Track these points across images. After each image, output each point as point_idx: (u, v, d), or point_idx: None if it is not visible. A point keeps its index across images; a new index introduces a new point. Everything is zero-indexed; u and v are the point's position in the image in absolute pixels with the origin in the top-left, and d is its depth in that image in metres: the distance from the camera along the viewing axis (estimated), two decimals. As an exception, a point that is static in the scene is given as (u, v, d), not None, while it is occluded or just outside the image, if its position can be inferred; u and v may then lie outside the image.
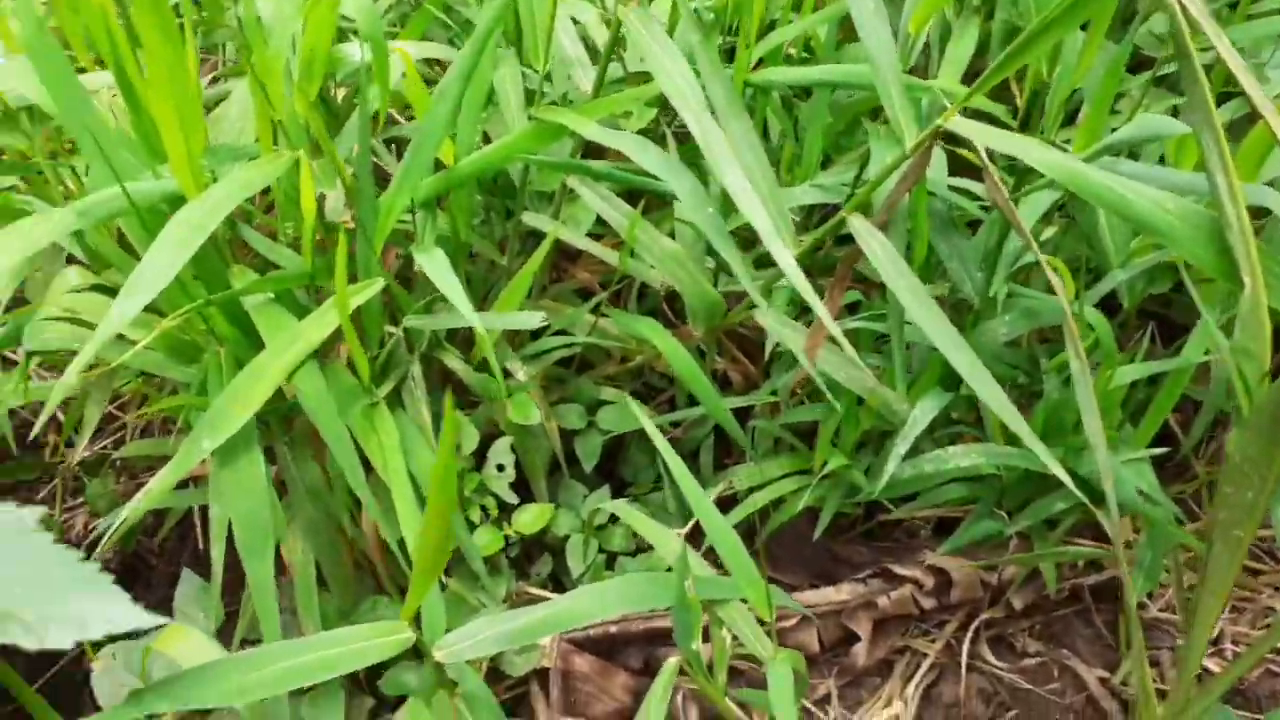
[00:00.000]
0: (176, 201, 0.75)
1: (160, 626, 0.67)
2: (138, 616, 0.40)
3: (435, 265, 0.74)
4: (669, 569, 0.85)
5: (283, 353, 0.74)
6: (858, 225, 0.75)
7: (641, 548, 1.02)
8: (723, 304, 0.88)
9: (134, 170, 0.76)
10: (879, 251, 0.74)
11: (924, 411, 0.85)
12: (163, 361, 0.84)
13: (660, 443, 0.70)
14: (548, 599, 0.94)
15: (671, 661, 0.75)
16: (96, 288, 0.87)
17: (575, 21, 0.90)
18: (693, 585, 0.73)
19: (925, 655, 0.99)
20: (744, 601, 0.78)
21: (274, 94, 0.71)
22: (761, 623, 0.77)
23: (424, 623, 0.73)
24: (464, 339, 0.97)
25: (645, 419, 0.71)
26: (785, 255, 0.65)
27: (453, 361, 0.93)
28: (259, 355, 0.74)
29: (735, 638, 0.77)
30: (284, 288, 0.79)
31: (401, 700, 0.95)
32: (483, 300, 0.98)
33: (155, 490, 0.73)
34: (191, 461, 0.71)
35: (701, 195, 0.71)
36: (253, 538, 0.72)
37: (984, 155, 0.71)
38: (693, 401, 1.07)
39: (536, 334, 1.01)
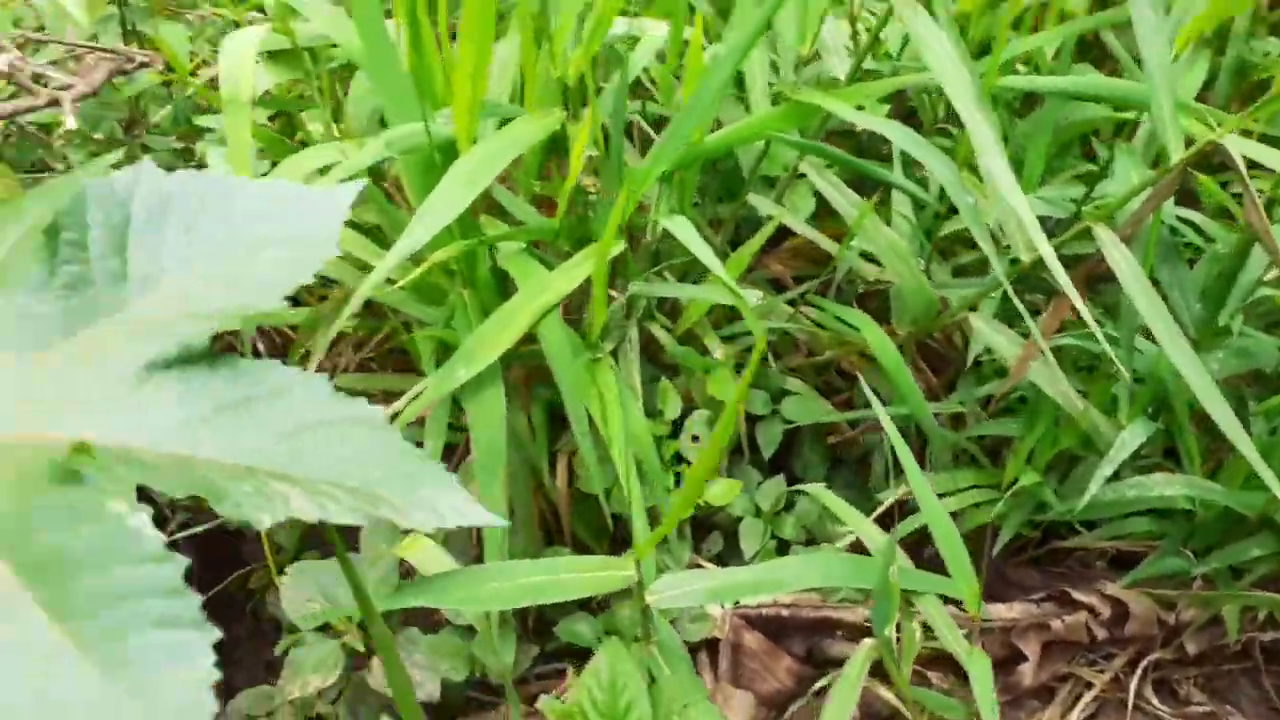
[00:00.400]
0: (447, 148, 0.80)
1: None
2: (480, 515, 0.41)
3: (684, 231, 0.78)
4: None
5: (533, 300, 0.78)
6: (1103, 235, 0.75)
7: (811, 540, 1.03)
8: (937, 303, 0.90)
9: (411, 114, 0.82)
10: (1122, 264, 0.75)
11: (1133, 436, 0.85)
12: (406, 299, 0.89)
13: (890, 428, 0.72)
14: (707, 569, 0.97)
15: (868, 644, 0.76)
16: (347, 224, 0.93)
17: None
18: (895, 572, 0.74)
19: (1091, 685, 0.98)
20: (942, 599, 0.79)
21: (558, 57, 0.76)
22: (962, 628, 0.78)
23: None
24: (669, 310, 1.00)
25: (880, 409, 0.73)
26: (1045, 243, 0.67)
27: (659, 331, 0.96)
28: (512, 299, 0.78)
29: (928, 629, 0.78)
30: (533, 239, 0.83)
31: (566, 652, 0.98)
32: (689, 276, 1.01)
33: (403, 415, 0.78)
34: (448, 387, 0.76)
35: (961, 184, 0.72)
36: (490, 463, 0.76)
37: (1244, 174, 0.71)
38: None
39: (733, 317, 1.04)
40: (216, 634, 0.33)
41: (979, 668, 0.72)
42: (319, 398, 0.44)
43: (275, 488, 0.40)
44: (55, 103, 1.05)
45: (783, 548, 1.02)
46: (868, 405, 1.09)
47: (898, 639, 0.79)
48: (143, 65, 1.22)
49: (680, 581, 0.75)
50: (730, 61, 0.70)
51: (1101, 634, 0.97)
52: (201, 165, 1.19)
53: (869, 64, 0.98)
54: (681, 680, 0.76)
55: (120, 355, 0.45)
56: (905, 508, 1.03)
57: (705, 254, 0.75)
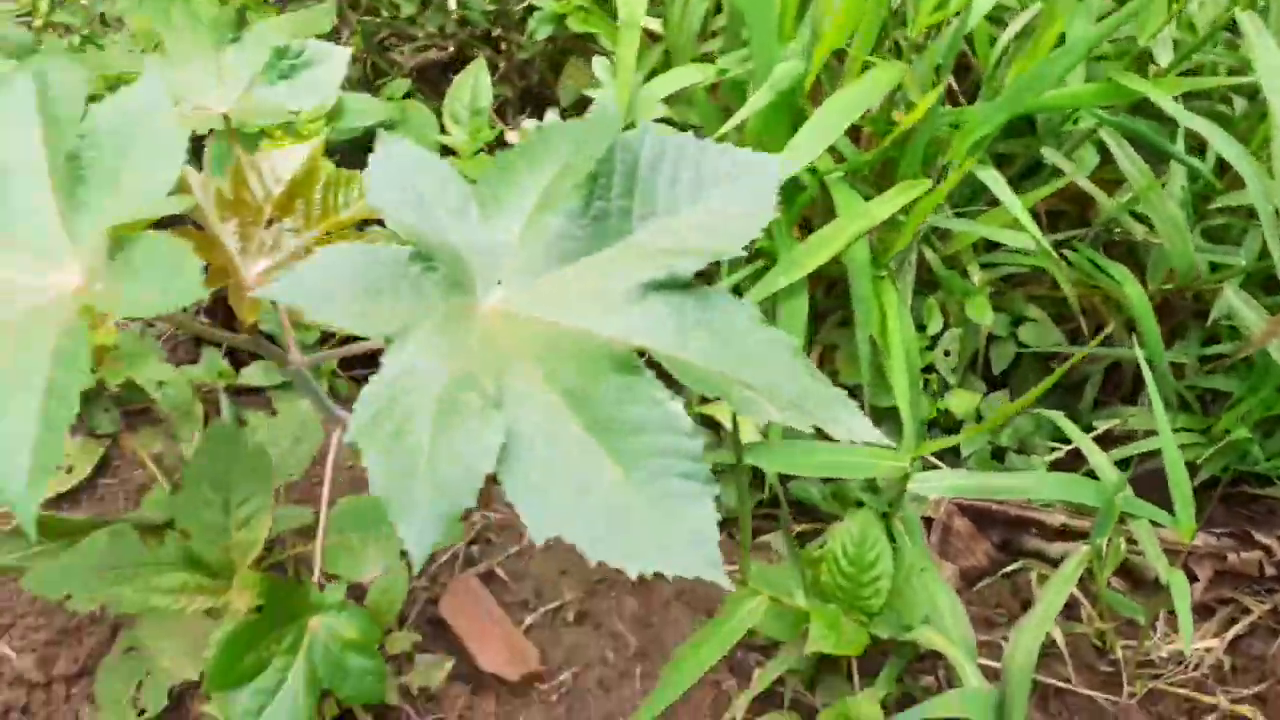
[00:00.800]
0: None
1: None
2: (877, 435, 0.55)
3: (995, 182, 0.90)
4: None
5: (852, 224, 0.93)
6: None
7: (1020, 450, 1.19)
8: (1196, 269, 1.00)
9: (770, 46, 0.94)
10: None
11: (1359, 415, 0.95)
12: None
13: (1148, 374, 0.85)
14: (939, 468, 1.15)
15: (1084, 549, 0.93)
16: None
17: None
18: (1122, 499, 0.90)
19: (1250, 612, 1.12)
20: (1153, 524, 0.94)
21: (921, 16, 0.87)
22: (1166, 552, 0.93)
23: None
24: (939, 236, 1.13)
25: (1141, 356, 0.86)
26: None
27: (929, 253, 1.10)
28: (833, 222, 0.93)
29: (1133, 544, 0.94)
30: (851, 170, 0.97)
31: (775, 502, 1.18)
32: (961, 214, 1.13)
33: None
34: (768, 291, 0.92)
35: (1263, 187, 0.82)
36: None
37: None
38: (1092, 337, 1.20)
39: (990, 246, 1.15)
40: (716, 489, 0.50)
41: (1179, 587, 0.88)
42: (752, 323, 0.58)
43: (747, 394, 0.56)
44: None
45: (996, 453, 1.18)
46: (1094, 338, 1.21)
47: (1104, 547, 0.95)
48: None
49: (936, 477, 0.93)
50: (1079, 52, 0.80)
51: (1271, 571, 1.11)
52: (525, 38, 1.35)
53: (1174, 34, 1.04)
54: (919, 549, 0.96)
55: (625, 273, 0.59)
56: (1111, 436, 1.17)
57: (1014, 203, 0.87)
